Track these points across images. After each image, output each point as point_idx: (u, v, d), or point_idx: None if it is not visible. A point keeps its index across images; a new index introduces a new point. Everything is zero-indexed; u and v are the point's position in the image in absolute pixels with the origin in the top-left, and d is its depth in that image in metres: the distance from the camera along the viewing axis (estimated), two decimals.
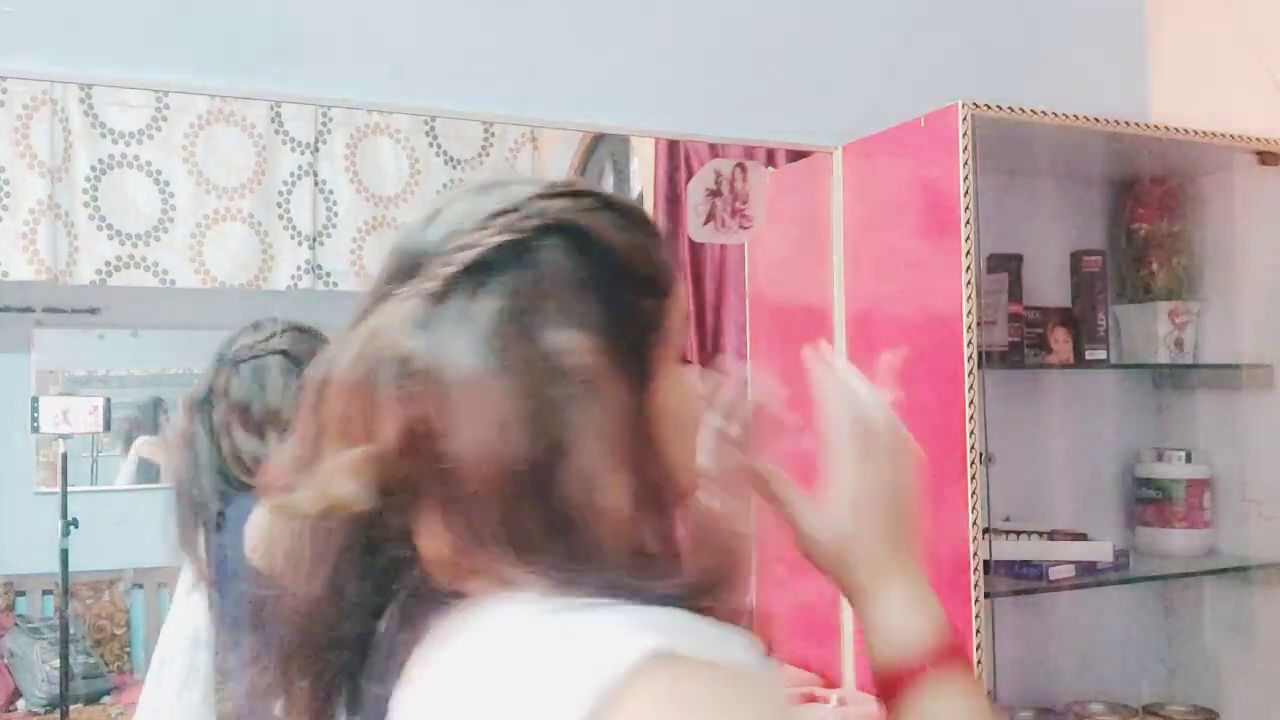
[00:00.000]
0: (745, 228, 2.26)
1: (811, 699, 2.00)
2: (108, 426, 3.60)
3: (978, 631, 1.80)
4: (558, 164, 4.27)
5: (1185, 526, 2.28)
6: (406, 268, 0.67)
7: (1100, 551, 2.15)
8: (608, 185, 4.02)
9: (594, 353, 0.63)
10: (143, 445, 3.69)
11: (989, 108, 1.89)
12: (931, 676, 0.73)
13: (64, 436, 3.47)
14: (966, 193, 1.84)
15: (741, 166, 2.25)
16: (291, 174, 4.01)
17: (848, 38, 2.24)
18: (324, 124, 4.08)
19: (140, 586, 4.10)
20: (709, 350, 2.81)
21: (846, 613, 2.11)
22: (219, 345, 1.82)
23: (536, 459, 0.61)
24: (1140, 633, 2.41)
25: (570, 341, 0.63)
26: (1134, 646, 2.40)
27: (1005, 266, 2.20)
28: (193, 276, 3.84)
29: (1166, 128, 2.13)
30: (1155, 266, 2.37)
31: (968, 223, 1.84)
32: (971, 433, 1.82)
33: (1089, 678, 2.34)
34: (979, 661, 1.81)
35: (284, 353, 1.76)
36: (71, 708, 3.53)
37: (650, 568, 0.61)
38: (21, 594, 4.19)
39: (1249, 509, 2.26)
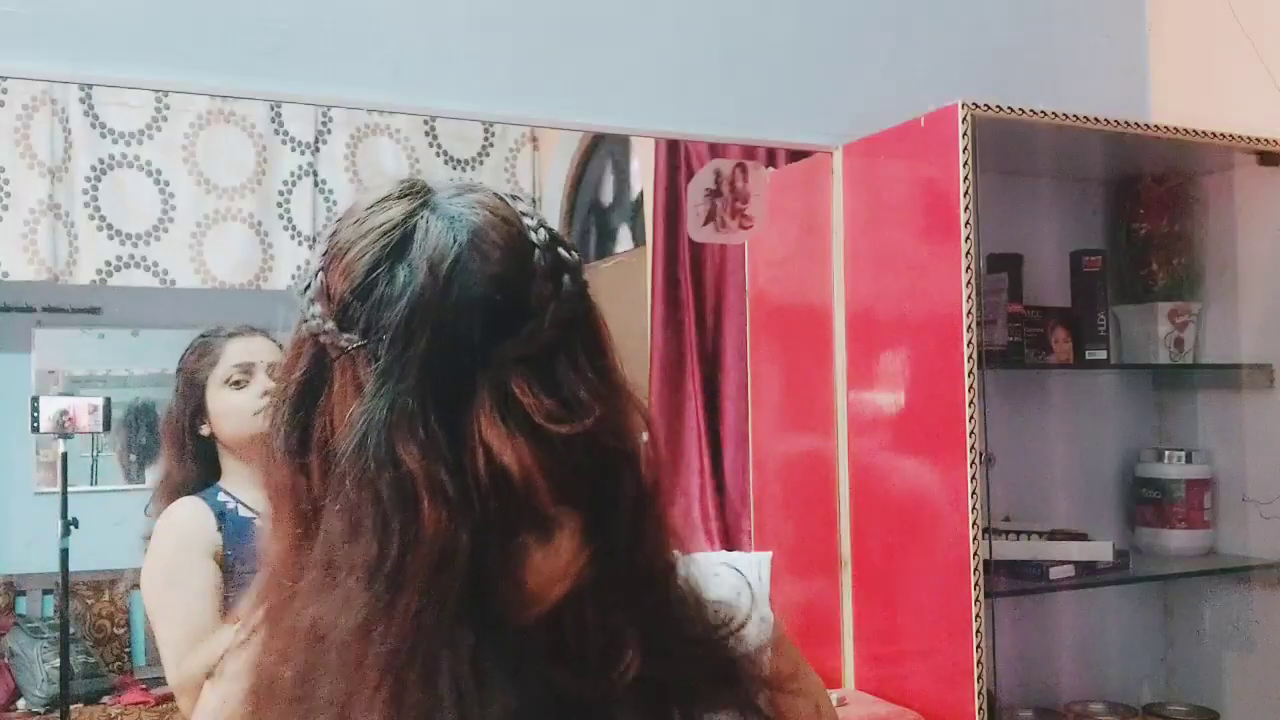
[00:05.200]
0: (745, 228, 2.26)
1: None
2: (108, 426, 3.61)
3: (978, 632, 1.80)
4: (558, 164, 4.28)
5: (1185, 526, 2.28)
6: None
7: (1100, 551, 2.15)
8: (607, 185, 4.03)
9: None
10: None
11: (989, 108, 1.89)
12: None
13: (64, 436, 3.47)
14: (966, 193, 1.84)
15: (741, 166, 2.26)
16: (291, 174, 4.02)
17: (848, 38, 2.24)
18: (324, 124, 4.10)
19: (140, 586, 4.09)
20: (709, 350, 2.81)
21: (847, 613, 2.11)
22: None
23: None
24: (1140, 633, 2.41)
25: None
26: (1134, 646, 2.40)
27: (1005, 266, 2.20)
28: (193, 276, 3.85)
29: (1166, 128, 2.13)
30: (1155, 266, 2.37)
31: (968, 223, 1.84)
32: (971, 433, 1.82)
33: (1089, 678, 2.34)
34: (979, 661, 1.81)
35: None
36: (71, 708, 3.54)
37: None
38: (22, 594, 4.19)
39: (1249, 509, 2.26)
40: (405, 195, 0.64)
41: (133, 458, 4.30)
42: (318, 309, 0.62)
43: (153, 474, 4.27)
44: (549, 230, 0.64)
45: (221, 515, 1.75)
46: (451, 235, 0.61)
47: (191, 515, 1.75)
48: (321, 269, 0.64)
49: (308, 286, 0.64)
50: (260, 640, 0.62)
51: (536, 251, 0.62)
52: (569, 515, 0.61)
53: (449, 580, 0.56)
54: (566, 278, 0.63)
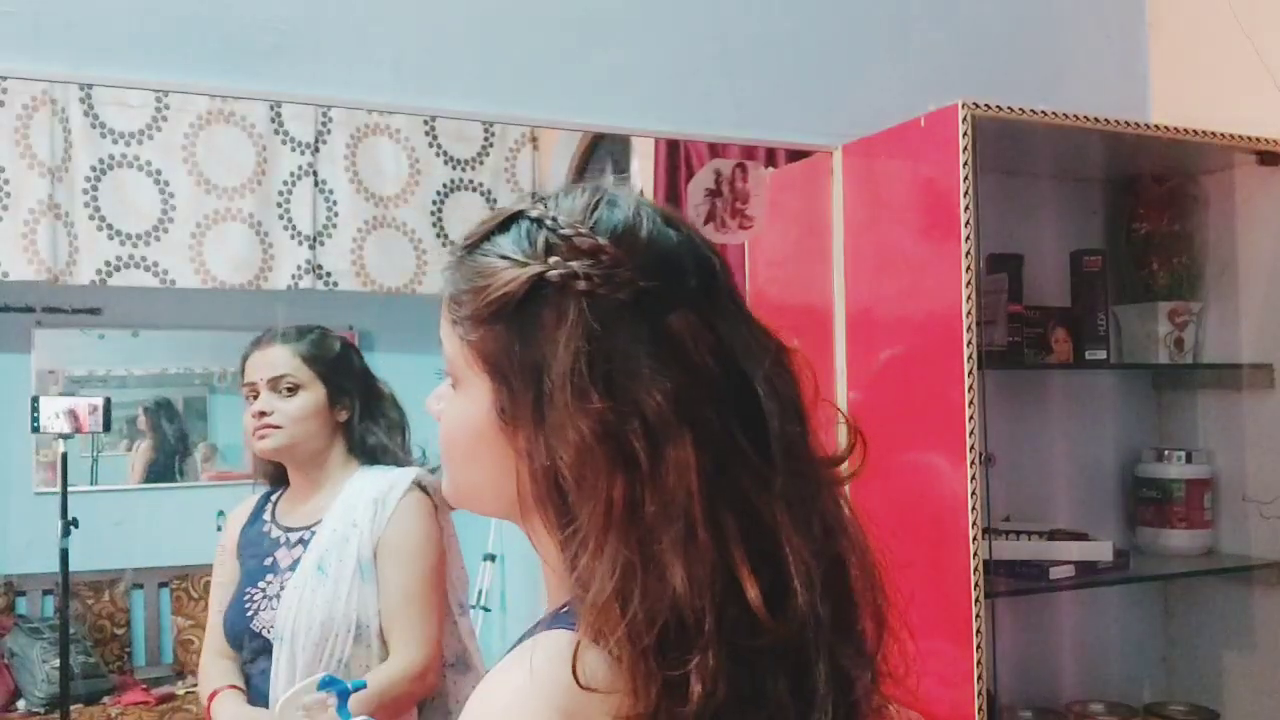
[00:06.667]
0: (745, 228, 2.26)
1: None
2: (108, 426, 3.61)
3: (978, 631, 1.80)
4: (558, 164, 4.27)
5: (1185, 526, 2.28)
6: None
7: (1100, 551, 2.14)
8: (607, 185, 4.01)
9: None
10: None
11: (989, 108, 1.89)
12: None
13: (64, 436, 3.47)
14: (966, 193, 1.84)
15: (741, 166, 2.25)
16: (291, 174, 4.02)
17: (847, 38, 2.24)
18: (324, 124, 4.09)
19: (140, 586, 4.11)
20: None
21: None
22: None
23: None
24: (1140, 633, 2.41)
25: None
26: (1134, 646, 2.40)
27: (1005, 266, 2.20)
28: (193, 276, 3.85)
29: (1166, 128, 2.13)
30: (1155, 266, 2.36)
31: (968, 223, 1.84)
32: (971, 433, 1.82)
33: (1089, 678, 2.34)
34: (979, 661, 1.81)
35: None
36: (71, 708, 3.54)
37: None
38: (22, 594, 4.20)
39: (1249, 509, 2.26)
40: (618, 190, 0.76)
41: (155, 454, 4.29)
42: (624, 273, 0.69)
43: (163, 471, 4.28)
44: None
45: (250, 512, 1.83)
46: (682, 218, 0.76)
47: (234, 515, 1.87)
48: (612, 241, 0.70)
49: (596, 257, 0.69)
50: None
51: None
52: None
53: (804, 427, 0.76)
54: None
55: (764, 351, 0.72)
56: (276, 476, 1.84)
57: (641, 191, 0.80)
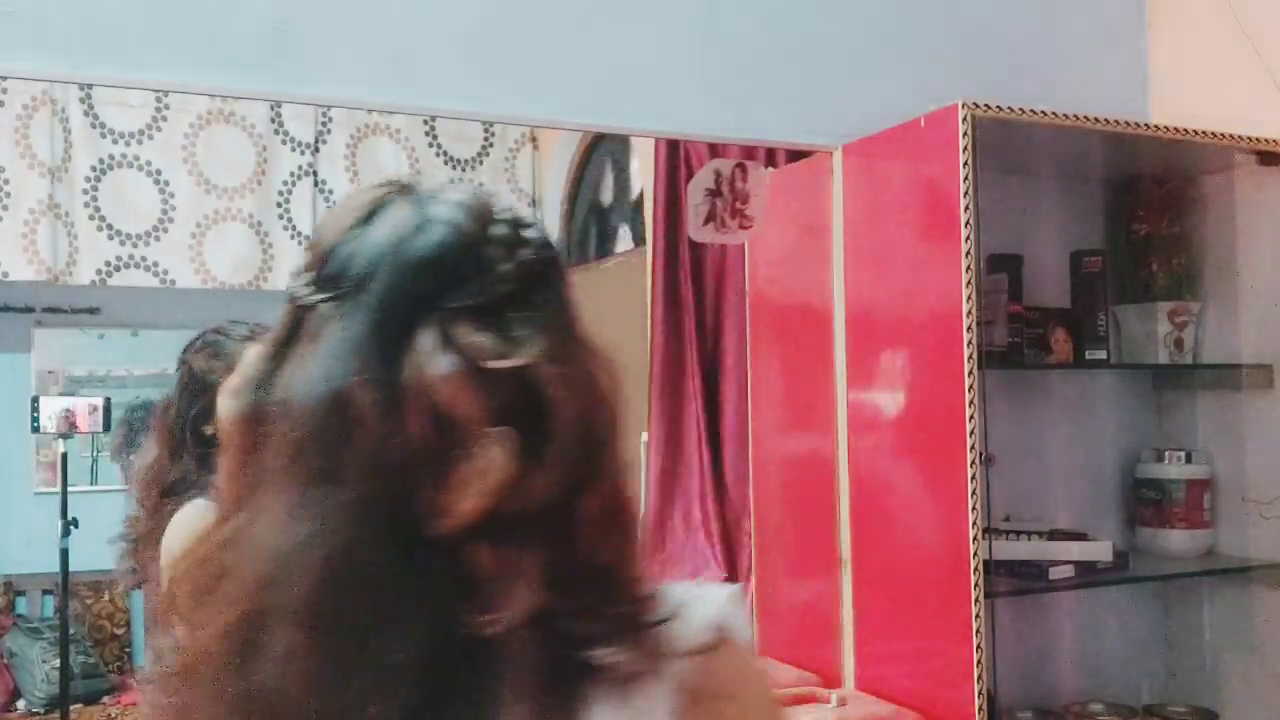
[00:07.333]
0: (745, 228, 2.26)
1: (811, 699, 2.00)
2: (108, 426, 3.61)
3: (978, 631, 1.80)
4: (558, 164, 4.27)
5: (1185, 526, 2.28)
6: None
7: (1100, 551, 2.15)
8: (607, 185, 4.03)
9: None
10: None
11: (989, 108, 1.89)
12: None
13: (64, 436, 3.47)
14: (966, 193, 1.84)
15: (741, 166, 2.26)
16: (291, 174, 4.01)
17: (848, 38, 2.24)
18: (324, 124, 4.09)
19: (140, 587, 4.10)
20: (709, 350, 2.81)
21: (846, 612, 2.11)
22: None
23: None
24: (1140, 633, 2.41)
25: None
26: (1134, 646, 2.40)
27: (1005, 266, 2.20)
28: (193, 276, 3.84)
29: (1166, 128, 2.13)
30: (1155, 266, 2.37)
31: (968, 223, 1.84)
32: (971, 433, 1.82)
33: (1089, 678, 2.34)
34: (979, 662, 1.81)
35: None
36: (71, 708, 3.54)
37: None
38: (21, 594, 4.20)
39: (1249, 509, 2.26)
40: (383, 185, 0.72)
41: (131, 457, 4.29)
42: (301, 279, 0.70)
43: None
44: (516, 212, 0.71)
45: None
46: (415, 208, 0.69)
47: (200, 518, 1.76)
48: (308, 247, 0.71)
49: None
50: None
51: (494, 225, 0.69)
52: (507, 435, 0.64)
53: (378, 485, 0.63)
54: (525, 250, 0.69)
55: (388, 362, 0.64)
56: (199, 482, 1.77)
57: (476, 184, 0.76)
